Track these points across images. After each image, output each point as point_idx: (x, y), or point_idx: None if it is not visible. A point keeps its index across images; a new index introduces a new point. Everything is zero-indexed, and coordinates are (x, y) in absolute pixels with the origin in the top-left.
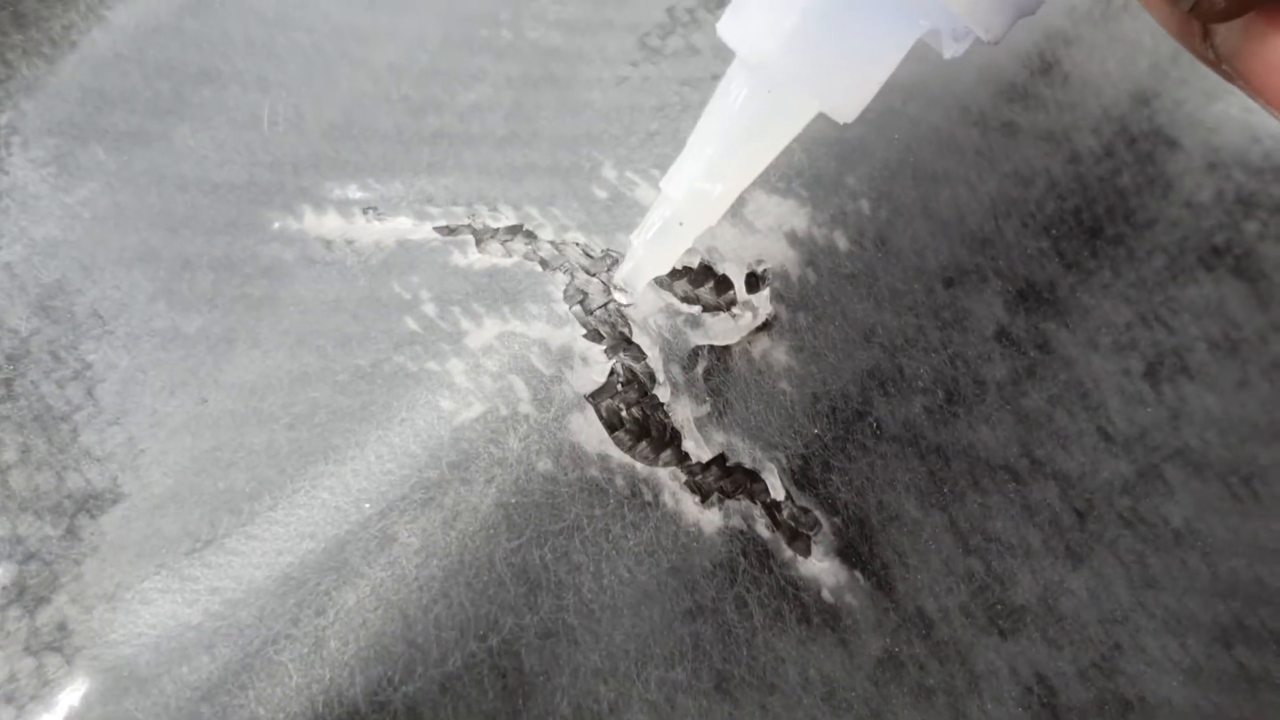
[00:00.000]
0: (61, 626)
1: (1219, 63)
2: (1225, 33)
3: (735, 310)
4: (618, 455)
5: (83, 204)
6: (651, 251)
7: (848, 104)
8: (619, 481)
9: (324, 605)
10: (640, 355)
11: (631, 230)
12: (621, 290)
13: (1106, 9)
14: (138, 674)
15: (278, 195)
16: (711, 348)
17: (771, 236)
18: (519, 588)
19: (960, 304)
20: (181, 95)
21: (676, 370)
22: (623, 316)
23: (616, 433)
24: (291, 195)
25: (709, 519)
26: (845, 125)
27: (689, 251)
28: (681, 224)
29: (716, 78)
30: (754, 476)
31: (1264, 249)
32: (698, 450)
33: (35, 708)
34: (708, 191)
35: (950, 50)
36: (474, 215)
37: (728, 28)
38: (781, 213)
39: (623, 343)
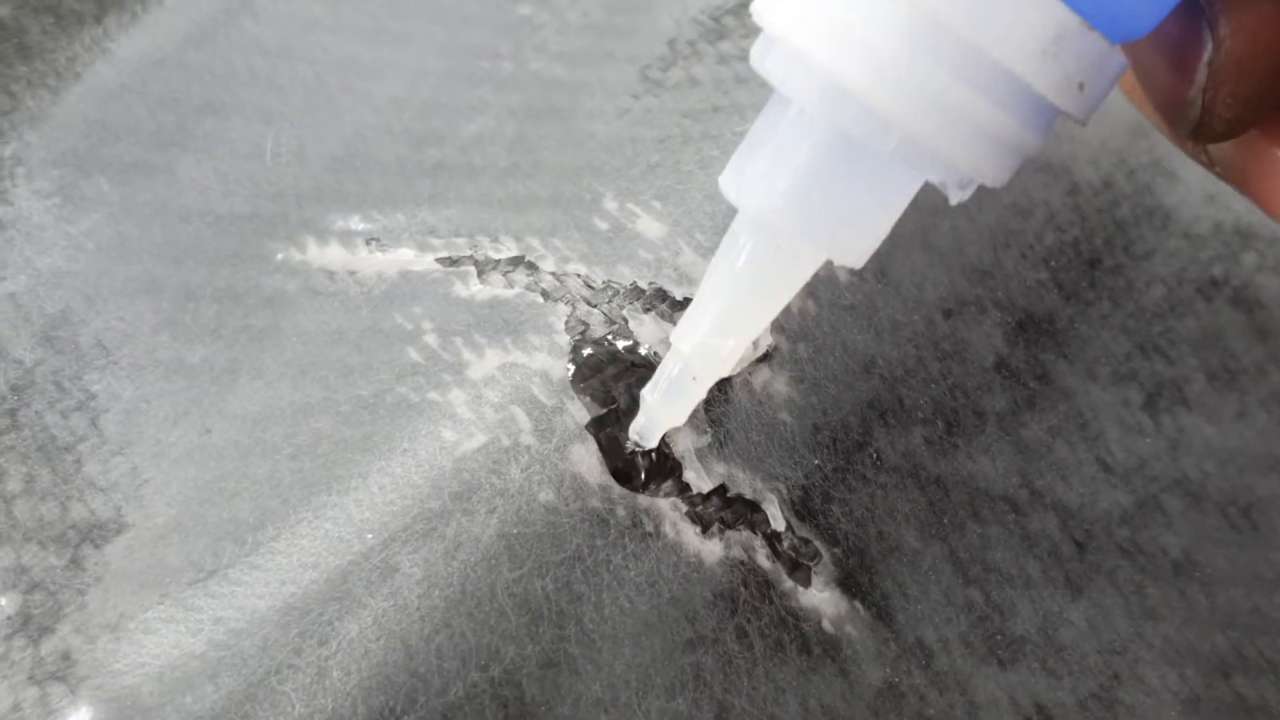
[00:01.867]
0: (66, 656)
1: (1213, 165)
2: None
3: None
4: (619, 486)
5: (87, 235)
6: (665, 406)
7: (855, 253)
8: (620, 512)
9: (327, 635)
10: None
11: (631, 262)
12: (637, 444)
13: None
14: (141, 704)
15: (281, 226)
16: None
17: None
18: (521, 618)
19: (960, 335)
20: (185, 127)
21: None
22: (625, 348)
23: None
24: (295, 226)
25: (710, 549)
26: None
27: (690, 283)
28: (695, 378)
29: (718, 110)
30: (754, 507)
31: (1262, 280)
32: (698, 481)
33: None
34: (718, 346)
35: (956, 197)
36: (476, 246)
37: (729, 184)
38: None
39: (625, 368)
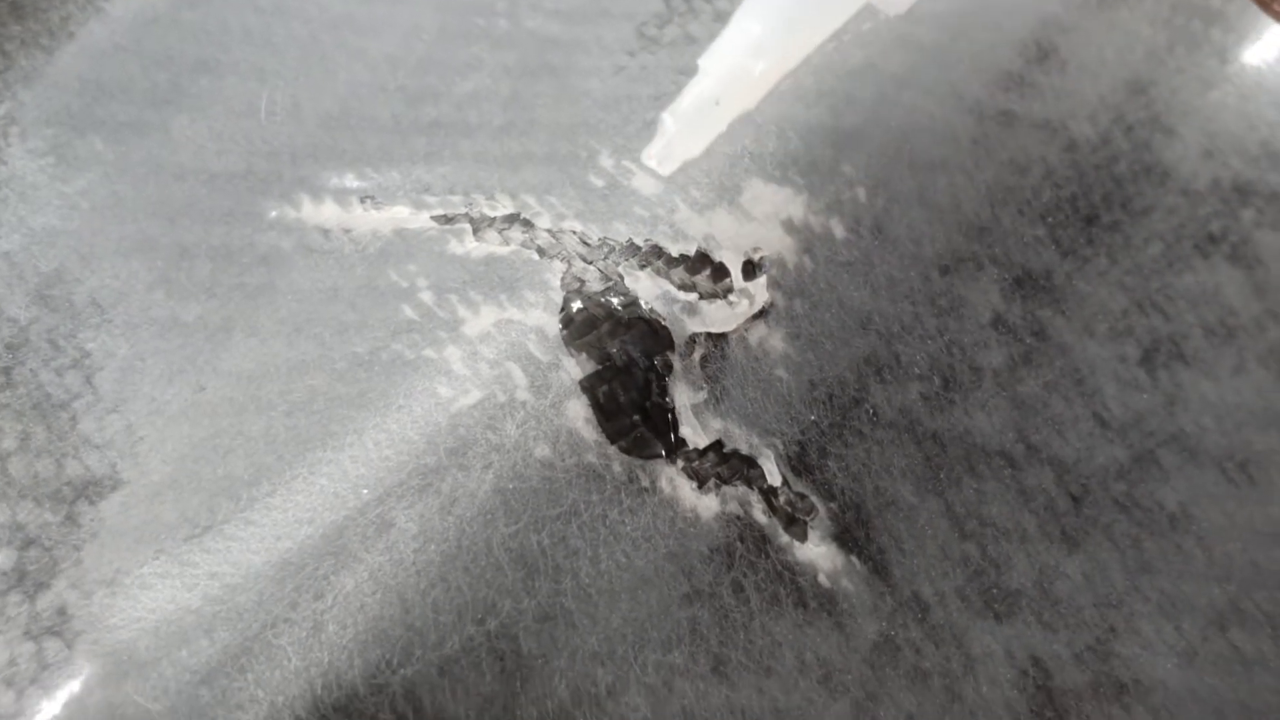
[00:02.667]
0: (61, 611)
1: None
2: None
3: (732, 298)
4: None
5: (81, 194)
6: (684, 129)
7: None
8: (616, 467)
9: (322, 590)
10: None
11: (627, 219)
12: (653, 170)
13: None
14: (137, 658)
15: (275, 184)
16: (708, 335)
17: (768, 224)
18: (516, 572)
19: (957, 291)
20: (179, 86)
21: (673, 357)
22: (621, 304)
23: (615, 418)
24: (289, 184)
25: (706, 504)
26: (841, 113)
27: (686, 239)
28: (718, 103)
29: None
30: (751, 463)
31: (1260, 236)
32: (695, 436)
33: (35, 692)
34: (749, 68)
35: None
36: (471, 204)
37: None
38: (778, 200)
39: (619, 325)
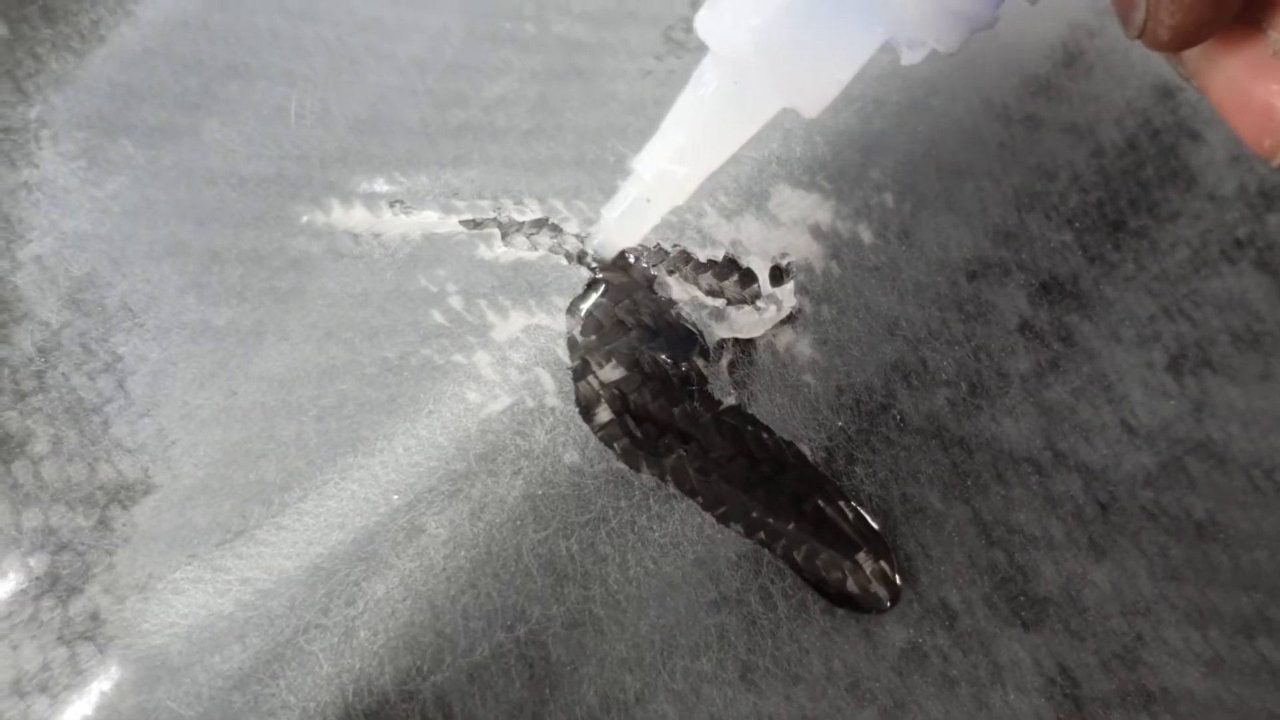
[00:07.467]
0: (94, 616)
1: (1189, 79)
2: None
3: (760, 303)
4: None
5: (112, 197)
6: (621, 225)
7: (811, 101)
8: (644, 473)
9: (354, 595)
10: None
11: (656, 224)
12: (596, 260)
13: None
14: (170, 663)
15: (305, 189)
16: (736, 340)
17: (796, 230)
18: (546, 578)
19: (984, 297)
20: (209, 90)
21: (702, 363)
22: (649, 310)
23: (643, 425)
24: (319, 189)
25: None
26: (869, 118)
27: (713, 245)
28: (649, 201)
29: None
30: None
31: None
32: None
33: (69, 696)
34: (674, 173)
35: (907, 58)
36: (499, 209)
37: (703, 22)
38: (806, 206)
39: (648, 333)
